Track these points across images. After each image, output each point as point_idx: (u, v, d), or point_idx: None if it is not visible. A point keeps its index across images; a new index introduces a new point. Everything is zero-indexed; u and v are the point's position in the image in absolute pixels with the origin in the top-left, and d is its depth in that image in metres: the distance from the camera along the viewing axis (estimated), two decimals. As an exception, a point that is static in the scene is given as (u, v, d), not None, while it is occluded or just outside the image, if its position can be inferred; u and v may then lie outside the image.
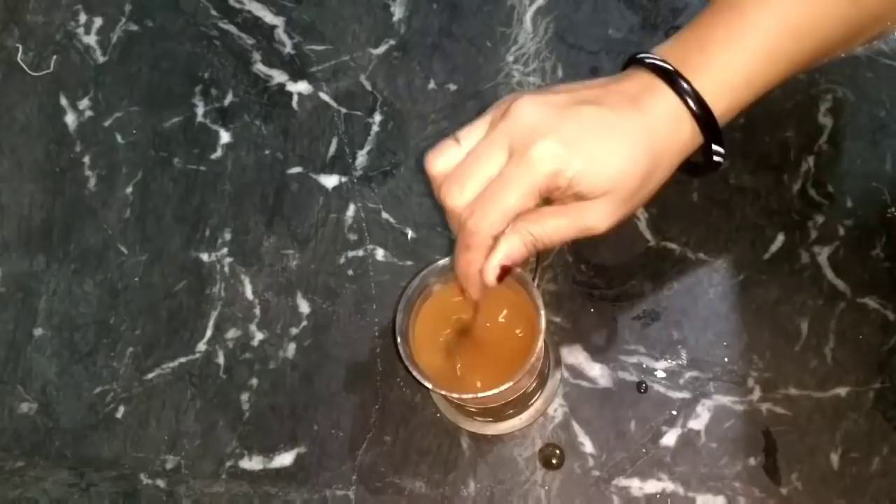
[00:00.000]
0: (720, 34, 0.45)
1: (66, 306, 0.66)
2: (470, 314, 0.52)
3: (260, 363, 0.63)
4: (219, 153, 0.69)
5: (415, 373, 0.49)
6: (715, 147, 0.46)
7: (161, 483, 0.61)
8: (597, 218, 0.44)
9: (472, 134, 0.45)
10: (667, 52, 0.45)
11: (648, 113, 0.44)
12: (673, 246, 0.62)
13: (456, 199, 0.44)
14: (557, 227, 0.45)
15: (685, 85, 0.44)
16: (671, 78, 0.44)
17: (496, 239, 0.44)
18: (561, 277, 0.62)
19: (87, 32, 0.73)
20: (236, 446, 0.62)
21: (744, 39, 0.44)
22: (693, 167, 0.48)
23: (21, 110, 0.71)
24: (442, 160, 0.45)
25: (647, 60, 0.45)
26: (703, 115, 0.44)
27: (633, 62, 0.46)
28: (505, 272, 0.45)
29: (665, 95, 0.44)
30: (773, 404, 0.58)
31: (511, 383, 0.49)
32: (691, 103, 0.44)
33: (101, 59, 0.72)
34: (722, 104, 0.44)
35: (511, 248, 0.44)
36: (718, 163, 0.47)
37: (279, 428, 0.62)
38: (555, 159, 0.42)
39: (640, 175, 0.44)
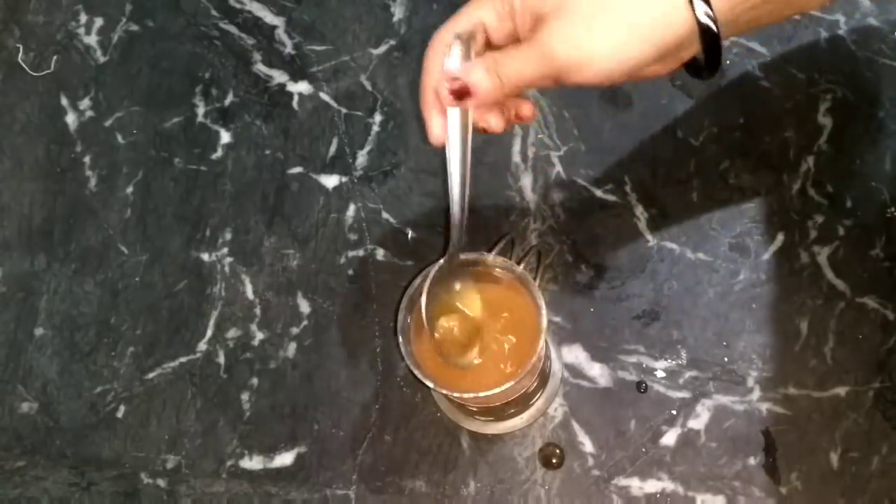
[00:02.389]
0: None
1: (67, 306, 0.66)
2: (471, 314, 0.52)
3: (260, 363, 0.63)
4: (219, 153, 0.69)
5: (416, 372, 0.49)
6: (705, 20, 0.41)
7: (161, 482, 0.61)
8: (555, 39, 0.42)
9: None
10: None
11: None
12: (673, 246, 0.62)
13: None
14: (521, 54, 0.43)
15: None
16: None
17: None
18: (561, 277, 0.62)
19: (88, 32, 0.73)
20: (237, 446, 0.62)
21: None
22: (697, 68, 0.46)
23: (22, 110, 0.71)
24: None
25: None
26: None
27: None
28: (463, 92, 0.43)
29: None
30: (772, 404, 0.58)
31: (513, 383, 0.49)
32: None
33: (102, 59, 0.72)
34: None
35: (471, 65, 0.43)
36: (718, 52, 0.43)
37: (279, 427, 0.62)
38: None
39: None
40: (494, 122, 0.47)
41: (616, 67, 0.42)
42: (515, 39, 0.46)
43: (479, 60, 0.43)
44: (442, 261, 0.51)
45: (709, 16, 0.42)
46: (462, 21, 0.45)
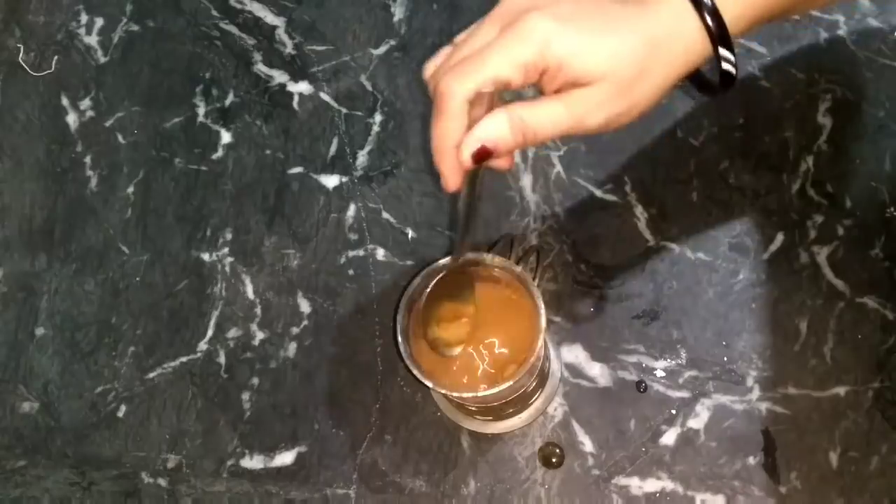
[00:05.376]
0: None
1: (68, 306, 0.66)
2: (472, 313, 0.52)
3: (261, 362, 0.63)
4: (220, 153, 0.69)
5: (415, 372, 0.49)
6: (724, 53, 0.42)
7: (162, 482, 0.62)
8: (592, 107, 0.41)
9: (468, 32, 0.44)
10: None
11: (651, 8, 0.42)
12: (673, 246, 0.62)
13: (437, 69, 0.42)
14: (550, 113, 0.41)
15: None
16: None
17: (474, 117, 0.41)
18: (561, 277, 0.62)
19: (89, 33, 0.73)
20: (237, 445, 0.62)
21: None
22: (708, 85, 0.46)
23: (22, 110, 0.71)
24: (435, 61, 0.43)
25: None
26: (712, 18, 0.41)
27: None
28: (484, 155, 0.41)
29: None
30: (772, 403, 0.58)
31: (511, 382, 0.49)
32: (702, 7, 0.41)
33: (103, 60, 0.72)
34: (734, 10, 0.42)
35: (496, 127, 0.40)
36: (730, 76, 0.44)
37: (280, 427, 0.62)
38: (545, 31, 0.40)
39: (637, 63, 0.41)
40: (505, 164, 0.45)
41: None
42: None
43: (503, 118, 0.41)
44: (442, 261, 0.51)
45: (729, 61, 0.43)
46: (483, 74, 0.40)
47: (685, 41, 0.42)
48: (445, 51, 0.43)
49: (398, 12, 0.71)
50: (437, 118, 0.41)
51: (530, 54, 0.40)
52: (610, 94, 0.41)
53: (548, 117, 0.41)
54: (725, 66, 0.43)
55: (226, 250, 0.66)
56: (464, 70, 0.40)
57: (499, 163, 0.43)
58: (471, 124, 0.41)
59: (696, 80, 0.46)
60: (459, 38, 0.44)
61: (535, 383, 0.56)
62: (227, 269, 0.66)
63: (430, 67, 0.43)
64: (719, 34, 0.42)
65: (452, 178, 0.42)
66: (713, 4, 0.41)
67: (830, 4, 0.46)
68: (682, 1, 0.42)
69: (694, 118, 0.65)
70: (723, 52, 0.42)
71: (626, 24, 0.41)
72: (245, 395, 0.63)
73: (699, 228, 0.62)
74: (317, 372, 0.63)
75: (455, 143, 0.41)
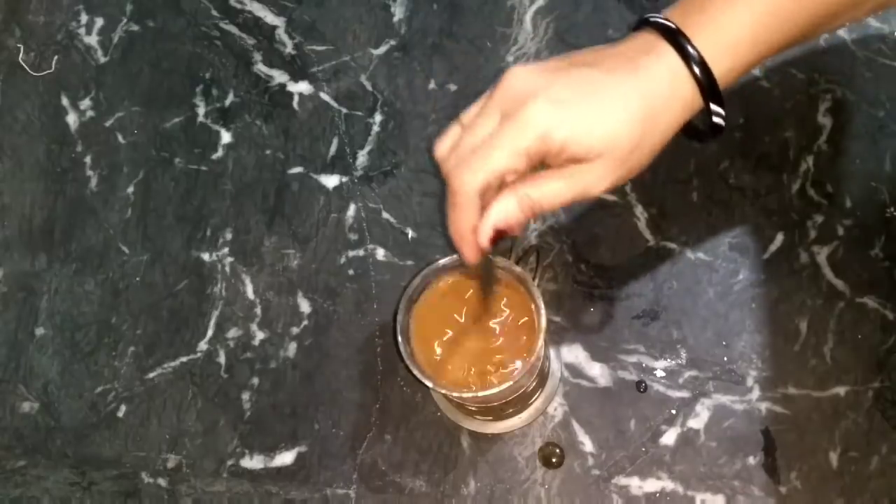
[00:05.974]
0: None
1: (68, 306, 0.66)
2: (471, 312, 0.52)
3: (261, 362, 0.63)
4: (220, 153, 0.69)
5: (415, 372, 0.49)
6: (715, 108, 0.45)
7: (162, 482, 0.62)
8: (594, 179, 0.44)
9: (472, 113, 0.45)
10: (670, 13, 0.45)
11: (645, 74, 0.43)
12: (673, 246, 0.62)
13: (448, 163, 0.44)
14: (555, 189, 0.44)
15: (685, 44, 0.43)
16: (672, 36, 0.43)
17: (486, 199, 0.44)
18: (561, 277, 0.62)
19: (89, 33, 0.73)
20: (237, 445, 0.62)
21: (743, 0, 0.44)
22: (697, 132, 0.47)
23: (22, 110, 0.71)
24: (446, 142, 0.46)
25: (652, 19, 0.45)
26: (703, 74, 0.43)
27: (640, 23, 0.46)
28: (499, 235, 0.44)
29: (665, 55, 0.44)
30: (772, 403, 0.59)
31: (511, 382, 0.49)
32: (691, 62, 0.43)
33: (103, 60, 0.72)
34: (723, 64, 0.44)
35: (506, 210, 0.44)
36: (720, 126, 0.46)
37: (280, 427, 0.62)
38: (545, 120, 0.42)
39: (635, 136, 0.43)
40: (517, 231, 0.47)
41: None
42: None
43: (512, 201, 0.43)
44: (442, 261, 0.51)
45: (719, 115, 0.45)
46: (489, 167, 0.42)
47: (680, 102, 0.44)
48: (454, 131, 0.46)
49: (398, 12, 0.71)
50: (452, 210, 0.44)
51: (532, 144, 0.42)
52: (610, 167, 0.43)
53: (553, 192, 0.44)
54: (716, 119, 0.45)
55: (226, 250, 0.66)
56: (471, 166, 0.43)
57: (513, 232, 0.47)
58: (485, 203, 0.44)
59: (686, 128, 0.47)
60: (465, 116, 0.46)
61: (535, 383, 0.56)
62: (227, 269, 0.66)
63: (441, 148, 0.46)
64: (711, 91, 0.44)
65: (473, 256, 0.45)
66: (704, 69, 0.43)
67: (816, 36, 0.47)
68: (676, 60, 0.43)
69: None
70: (714, 107, 0.45)
71: (624, 99, 0.43)
72: (245, 395, 0.63)
73: (699, 228, 0.62)
74: (317, 372, 0.63)
75: (471, 227, 0.44)
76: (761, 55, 0.45)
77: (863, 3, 0.46)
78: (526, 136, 0.42)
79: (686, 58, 0.43)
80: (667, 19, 0.44)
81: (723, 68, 0.44)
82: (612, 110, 0.43)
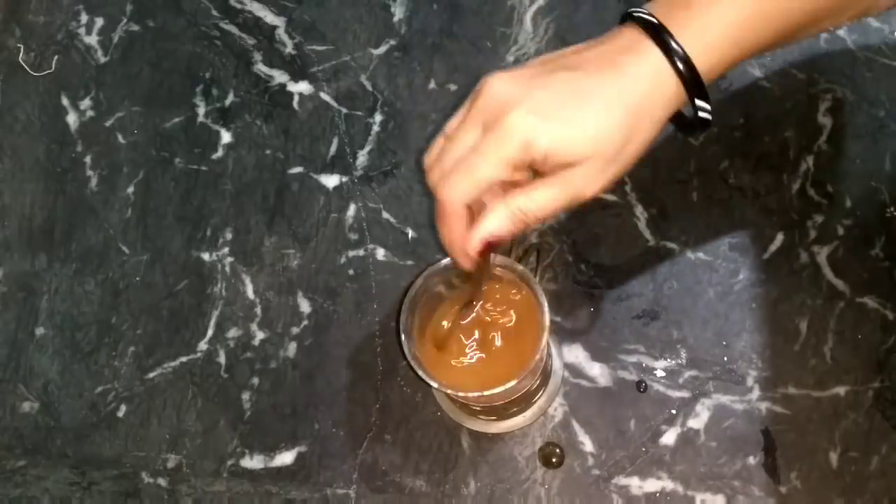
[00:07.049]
0: None
1: (68, 305, 0.66)
2: (472, 311, 0.52)
3: (261, 362, 0.63)
4: (220, 153, 0.69)
5: (420, 372, 0.49)
6: (700, 103, 0.45)
7: (162, 482, 0.62)
8: (585, 182, 0.43)
9: (454, 124, 0.46)
10: (654, 7, 0.44)
11: (627, 74, 0.43)
12: (673, 246, 0.62)
13: (434, 175, 0.45)
14: (547, 197, 0.44)
15: (669, 40, 0.43)
16: (656, 33, 0.43)
17: (475, 211, 0.44)
18: (561, 277, 0.62)
19: (89, 32, 0.73)
20: (237, 445, 0.62)
21: None
22: (686, 124, 0.47)
23: (22, 110, 0.71)
24: (431, 154, 0.46)
25: (636, 14, 0.44)
26: (686, 70, 0.43)
27: (624, 18, 0.46)
28: (489, 246, 0.44)
29: (648, 53, 0.43)
30: (772, 403, 0.59)
31: (516, 381, 0.49)
32: (675, 59, 0.43)
33: (103, 60, 0.72)
34: (706, 60, 0.44)
35: (497, 224, 0.44)
36: (707, 120, 0.46)
37: (280, 427, 0.62)
38: (526, 130, 0.42)
39: (620, 136, 0.43)
40: (508, 240, 0.47)
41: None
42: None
43: (502, 212, 0.43)
44: (443, 262, 0.51)
45: (705, 110, 0.45)
46: (474, 179, 0.43)
47: (664, 97, 0.44)
48: (439, 143, 0.46)
49: (398, 12, 0.71)
50: (441, 221, 0.44)
51: (515, 154, 0.42)
52: (599, 168, 0.43)
53: (544, 200, 0.44)
54: (702, 114, 0.45)
55: (226, 250, 0.66)
56: (456, 179, 0.43)
57: (504, 244, 0.47)
58: (478, 209, 0.44)
59: (676, 119, 0.47)
60: (448, 126, 0.46)
61: (538, 381, 0.56)
62: (227, 268, 0.66)
63: (427, 160, 0.46)
64: (695, 87, 0.44)
65: (467, 263, 0.46)
66: (688, 65, 0.43)
67: (800, 39, 0.48)
68: (659, 57, 0.43)
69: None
70: (699, 103, 0.44)
71: (605, 102, 0.43)
72: (245, 395, 0.63)
73: (699, 228, 0.62)
74: (317, 372, 0.63)
75: (462, 237, 0.44)
76: (744, 54, 0.45)
77: (846, 8, 0.46)
78: (508, 147, 0.42)
79: (669, 53, 0.43)
80: (650, 14, 0.44)
81: (707, 65, 0.43)
82: (595, 115, 0.42)
